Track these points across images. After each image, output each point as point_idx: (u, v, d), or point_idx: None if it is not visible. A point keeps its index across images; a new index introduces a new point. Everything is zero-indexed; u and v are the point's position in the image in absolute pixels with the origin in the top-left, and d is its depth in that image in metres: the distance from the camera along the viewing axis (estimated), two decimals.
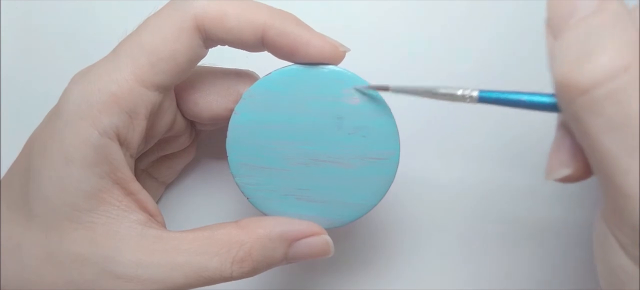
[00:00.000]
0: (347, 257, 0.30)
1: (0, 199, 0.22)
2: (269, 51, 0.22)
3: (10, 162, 0.23)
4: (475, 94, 0.19)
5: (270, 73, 0.23)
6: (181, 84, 0.24)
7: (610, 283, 0.18)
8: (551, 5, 0.17)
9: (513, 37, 0.29)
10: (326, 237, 0.23)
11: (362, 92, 0.22)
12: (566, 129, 0.18)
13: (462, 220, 0.29)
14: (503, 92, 0.19)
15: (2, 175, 0.23)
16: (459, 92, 0.19)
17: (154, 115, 0.23)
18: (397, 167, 0.23)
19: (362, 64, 0.24)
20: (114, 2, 0.30)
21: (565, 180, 0.18)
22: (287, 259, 0.23)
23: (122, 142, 0.21)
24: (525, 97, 0.18)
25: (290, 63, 0.23)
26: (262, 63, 0.24)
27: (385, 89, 0.22)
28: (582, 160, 0.18)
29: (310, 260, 0.23)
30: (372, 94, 0.22)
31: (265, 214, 0.23)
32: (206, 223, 0.23)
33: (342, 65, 0.23)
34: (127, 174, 0.22)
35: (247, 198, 0.23)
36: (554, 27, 0.17)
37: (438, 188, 0.29)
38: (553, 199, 0.29)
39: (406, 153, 0.24)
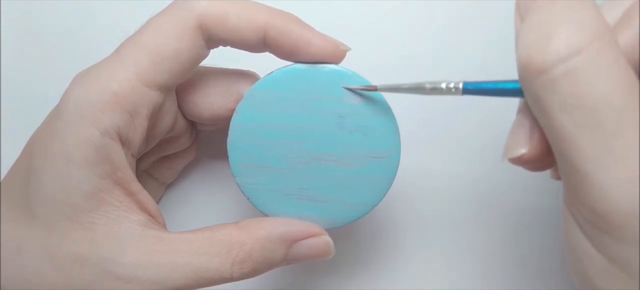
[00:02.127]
0: (347, 257, 0.30)
1: (0, 199, 0.22)
2: (270, 51, 0.23)
3: (10, 162, 0.23)
4: (459, 85, 0.20)
5: (271, 72, 0.23)
6: (182, 85, 0.24)
7: (574, 266, 0.18)
8: None
9: (513, 36, 0.29)
10: (326, 238, 0.23)
11: (356, 92, 0.22)
12: (525, 112, 0.19)
13: (464, 219, 0.29)
14: (486, 82, 0.19)
15: (3, 176, 0.23)
16: (444, 86, 0.20)
17: (155, 116, 0.23)
18: (398, 166, 0.23)
19: (362, 63, 0.24)
20: (114, 2, 0.30)
21: (521, 161, 0.19)
22: (288, 260, 0.23)
23: (123, 142, 0.21)
24: (507, 85, 0.19)
25: (291, 63, 0.23)
26: (263, 64, 0.24)
27: (374, 89, 0.22)
28: (537, 142, 0.18)
29: (311, 260, 0.23)
30: (371, 93, 0.22)
31: (265, 214, 0.23)
32: (206, 223, 0.23)
33: (343, 65, 0.23)
34: (128, 174, 0.21)
35: (248, 198, 0.23)
36: (521, 10, 0.18)
37: (439, 187, 0.29)
38: (558, 195, 0.29)
39: (407, 152, 0.24)
